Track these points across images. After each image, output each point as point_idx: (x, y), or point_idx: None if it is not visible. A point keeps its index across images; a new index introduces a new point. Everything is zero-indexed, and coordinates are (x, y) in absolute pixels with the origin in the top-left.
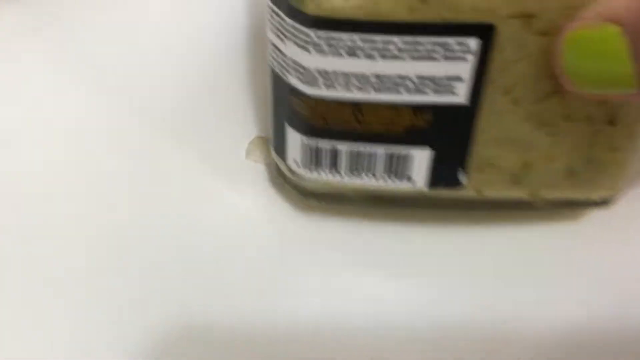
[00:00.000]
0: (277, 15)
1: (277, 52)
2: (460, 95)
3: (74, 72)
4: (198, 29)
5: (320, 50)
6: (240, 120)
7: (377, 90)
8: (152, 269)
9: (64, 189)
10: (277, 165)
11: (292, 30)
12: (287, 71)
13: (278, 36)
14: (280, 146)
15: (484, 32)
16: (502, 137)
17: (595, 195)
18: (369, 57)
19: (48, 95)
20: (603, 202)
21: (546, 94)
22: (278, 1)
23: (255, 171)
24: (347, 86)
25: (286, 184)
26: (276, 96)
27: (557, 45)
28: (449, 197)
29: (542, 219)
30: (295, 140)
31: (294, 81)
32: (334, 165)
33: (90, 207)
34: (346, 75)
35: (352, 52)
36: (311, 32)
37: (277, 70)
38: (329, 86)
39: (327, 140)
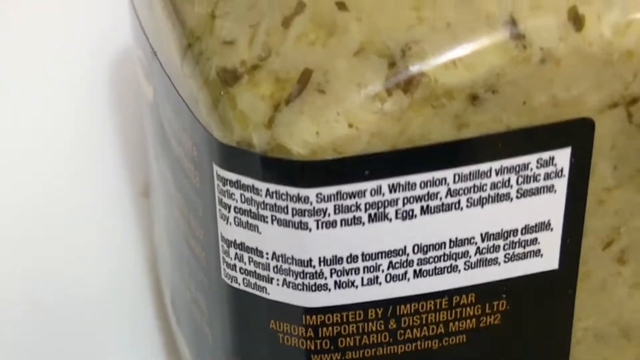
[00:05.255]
0: (240, 186)
1: (245, 253)
2: (548, 255)
3: None
4: None
5: (326, 223)
6: None
7: (421, 274)
8: None
9: None
10: None
11: (274, 200)
12: (267, 280)
13: (245, 224)
14: None
15: (579, 134)
16: (606, 324)
17: None
18: (406, 215)
19: None
20: None
21: None
22: (240, 163)
23: None
24: (372, 277)
25: None
26: (240, 333)
27: None
28: None
29: None
30: None
31: (280, 294)
32: None
33: None
34: (371, 258)
35: (377, 214)
36: (309, 193)
37: (242, 286)
38: (343, 284)
39: None
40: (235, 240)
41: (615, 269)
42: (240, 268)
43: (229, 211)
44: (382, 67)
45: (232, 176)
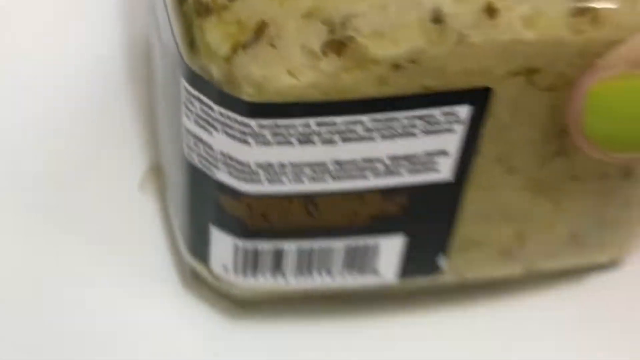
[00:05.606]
0: (200, 101)
1: (200, 144)
2: (443, 171)
3: None
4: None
5: (263, 142)
6: None
7: (337, 178)
8: None
9: None
10: (192, 268)
11: (224, 119)
12: (215, 166)
13: (201, 126)
14: (200, 249)
15: (477, 97)
16: (492, 211)
17: (603, 258)
18: (328, 142)
19: None
20: (611, 264)
21: (550, 156)
22: (201, 85)
23: (162, 275)
24: (297, 178)
25: (207, 291)
26: (195, 193)
27: (573, 101)
28: (422, 286)
29: (540, 289)
30: (224, 244)
31: (224, 178)
32: (277, 267)
33: None
34: (297, 166)
35: (305, 139)
36: (251, 122)
37: (198, 165)
38: (274, 181)
39: (268, 241)
40: (194, 133)
41: (505, 178)
42: (196, 152)
43: (190, 113)
44: (323, 32)
45: (194, 92)
